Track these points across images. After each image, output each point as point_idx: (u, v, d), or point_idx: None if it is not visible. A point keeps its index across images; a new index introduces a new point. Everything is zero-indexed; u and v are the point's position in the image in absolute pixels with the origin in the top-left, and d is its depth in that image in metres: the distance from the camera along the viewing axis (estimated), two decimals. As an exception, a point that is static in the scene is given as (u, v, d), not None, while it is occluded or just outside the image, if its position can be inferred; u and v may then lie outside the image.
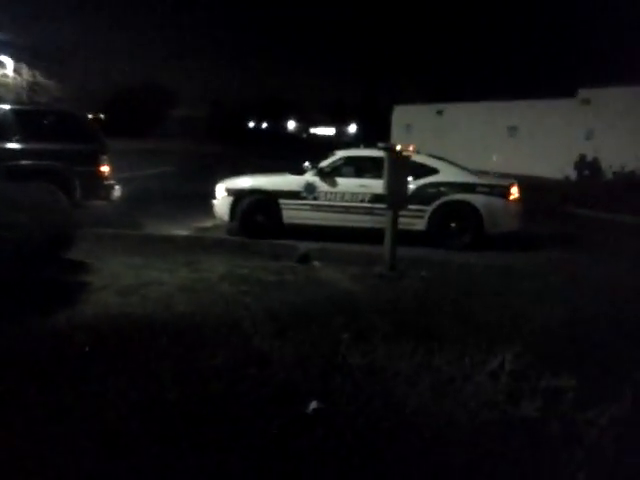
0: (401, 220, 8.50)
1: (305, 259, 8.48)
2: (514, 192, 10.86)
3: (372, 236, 9.80)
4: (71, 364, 4.51)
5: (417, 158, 10.41)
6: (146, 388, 4.13)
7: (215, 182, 11.67)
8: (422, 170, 10.77)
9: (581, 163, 16.06)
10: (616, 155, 16.39)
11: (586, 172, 15.52)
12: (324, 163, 11.19)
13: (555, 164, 17.07)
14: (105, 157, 11.04)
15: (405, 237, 9.27)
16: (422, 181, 10.72)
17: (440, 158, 11.54)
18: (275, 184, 11.10)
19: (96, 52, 59.52)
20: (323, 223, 10.98)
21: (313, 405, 4.02)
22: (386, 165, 8.18)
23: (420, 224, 10.76)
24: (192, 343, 4.94)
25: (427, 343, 5.04)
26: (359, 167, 11.22)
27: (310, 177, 11.00)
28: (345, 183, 10.97)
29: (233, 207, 11.04)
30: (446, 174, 10.90)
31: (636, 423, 3.92)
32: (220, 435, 3.62)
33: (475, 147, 20.43)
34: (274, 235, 10.74)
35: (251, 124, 76.96)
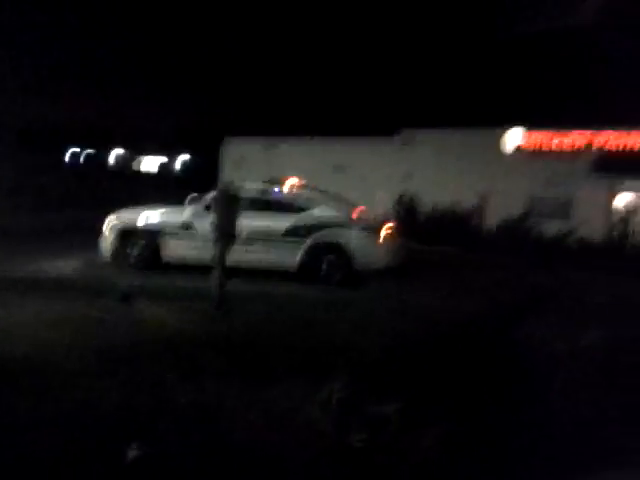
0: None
1: (127, 297, 8.17)
2: (387, 230, 10.63)
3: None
4: None
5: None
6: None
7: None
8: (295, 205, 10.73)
9: (400, 202, 17.16)
10: (434, 194, 17.31)
11: (401, 211, 16.69)
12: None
13: (379, 202, 17.49)
14: None
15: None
16: (295, 217, 10.53)
17: (323, 192, 11.63)
18: None
19: None
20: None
21: (133, 453, 3.72)
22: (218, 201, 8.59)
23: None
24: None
25: (256, 378, 5.09)
26: None
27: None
28: None
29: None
30: (320, 210, 10.67)
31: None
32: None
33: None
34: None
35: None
